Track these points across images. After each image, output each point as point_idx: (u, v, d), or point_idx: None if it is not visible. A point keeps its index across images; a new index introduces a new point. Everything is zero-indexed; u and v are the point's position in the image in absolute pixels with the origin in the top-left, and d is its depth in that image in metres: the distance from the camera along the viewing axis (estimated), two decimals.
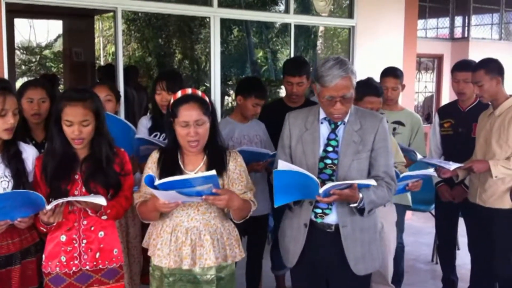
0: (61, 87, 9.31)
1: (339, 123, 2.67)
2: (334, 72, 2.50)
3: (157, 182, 2.30)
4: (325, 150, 2.65)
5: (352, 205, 2.57)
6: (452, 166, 3.45)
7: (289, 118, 2.79)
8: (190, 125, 2.46)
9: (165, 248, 2.53)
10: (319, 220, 2.68)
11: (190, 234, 2.51)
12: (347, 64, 2.55)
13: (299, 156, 2.70)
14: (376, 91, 3.32)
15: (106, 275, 2.65)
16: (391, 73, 4.10)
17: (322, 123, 2.70)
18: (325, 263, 2.72)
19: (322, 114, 2.69)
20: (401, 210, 3.72)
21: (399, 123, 4.04)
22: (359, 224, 2.67)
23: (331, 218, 2.67)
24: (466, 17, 10.92)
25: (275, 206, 2.55)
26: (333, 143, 2.66)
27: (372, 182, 2.50)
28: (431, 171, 3.51)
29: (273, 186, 2.46)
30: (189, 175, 2.44)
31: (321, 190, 2.41)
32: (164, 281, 2.56)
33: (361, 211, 2.61)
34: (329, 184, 2.43)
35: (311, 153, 2.66)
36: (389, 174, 2.69)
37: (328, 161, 2.64)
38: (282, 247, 2.86)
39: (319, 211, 2.66)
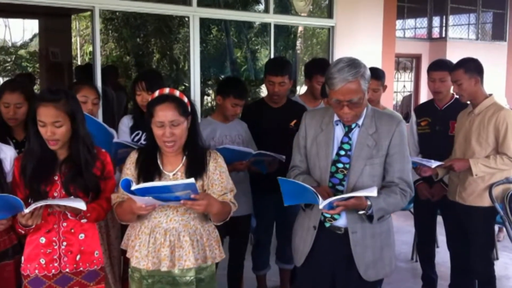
0: (36, 87, 9.17)
1: (353, 125, 2.57)
2: (342, 75, 2.39)
3: (134, 187, 2.24)
4: (337, 154, 2.57)
5: (360, 212, 2.49)
6: (433, 164, 3.47)
7: (305, 118, 2.72)
8: (165, 125, 2.42)
9: (143, 249, 2.49)
10: (327, 224, 2.63)
11: (169, 236, 2.47)
12: (358, 67, 2.42)
13: (313, 157, 2.63)
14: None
15: (86, 278, 2.60)
16: (373, 74, 4.04)
17: (337, 124, 2.61)
18: (332, 265, 2.66)
19: (337, 116, 2.60)
20: None
21: None
22: (371, 229, 2.57)
23: (341, 222, 2.60)
24: (444, 17, 11.05)
25: (285, 205, 2.51)
26: (346, 146, 2.57)
27: (373, 193, 2.35)
28: None
29: (281, 189, 2.44)
30: (167, 181, 2.40)
31: (321, 206, 2.34)
32: (143, 283, 2.52)
33: (370, 217, 2.51)
34: (329, 200, 2.33)
35: (324, 156, 2.59)
36: (404, 180, 2.57)
37: (340, 165, 2.56)
38: (293, 246, 2.83)
39: (328, 215, 2.58)
